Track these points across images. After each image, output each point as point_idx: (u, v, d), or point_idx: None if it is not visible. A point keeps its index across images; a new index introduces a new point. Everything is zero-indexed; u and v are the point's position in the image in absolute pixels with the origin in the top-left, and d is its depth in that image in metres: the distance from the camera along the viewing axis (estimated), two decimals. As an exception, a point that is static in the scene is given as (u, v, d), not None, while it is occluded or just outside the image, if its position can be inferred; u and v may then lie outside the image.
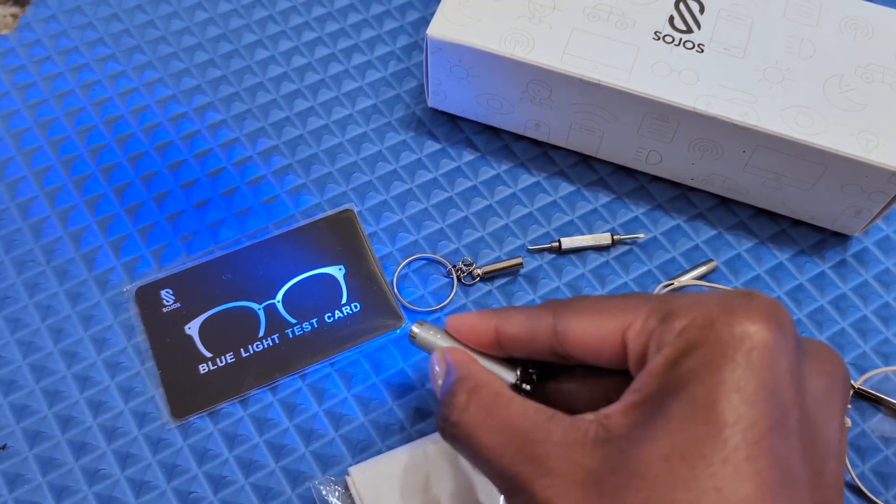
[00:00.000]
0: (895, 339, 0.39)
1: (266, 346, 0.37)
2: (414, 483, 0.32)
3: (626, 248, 0.41)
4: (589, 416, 0.24)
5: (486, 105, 0.42)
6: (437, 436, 0.34)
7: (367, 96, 0.45)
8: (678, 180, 0.42)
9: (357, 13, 0.48)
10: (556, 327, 0.27)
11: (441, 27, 0.38)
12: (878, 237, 0.42)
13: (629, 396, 0.24)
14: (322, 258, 0.40)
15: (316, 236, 0.40)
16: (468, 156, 0.43)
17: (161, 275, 0.39)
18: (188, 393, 0.36)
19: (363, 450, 0.36)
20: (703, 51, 0.38)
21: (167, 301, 0.38)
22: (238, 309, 0.38)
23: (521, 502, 0.24)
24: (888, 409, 0.37)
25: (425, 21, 0.48)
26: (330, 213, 0.41)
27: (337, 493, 0.34)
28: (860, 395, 0.38)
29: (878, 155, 0.36)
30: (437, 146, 0.43)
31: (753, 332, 0.22)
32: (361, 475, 0.33)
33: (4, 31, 0.46)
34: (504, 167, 0.43)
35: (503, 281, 0.40)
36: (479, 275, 0.40)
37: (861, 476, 0.36)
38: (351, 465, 0.34)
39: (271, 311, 0.38)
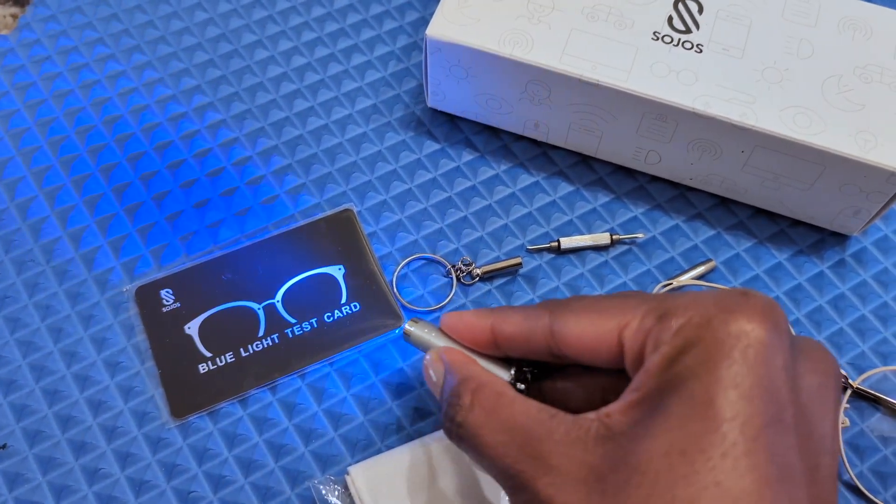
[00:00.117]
0: (894, 338, 0.39)
1: (266, 345, 0.37)
2: (413, 482, 0.32)
3: (625, 247, 0.41)
4: (590, 414, 0.24)
5: (486, 105, 0.42)
6: (436, 435, 0.34)
7: (367, 96, 0.45)
8: (677, 180, 0.42)
9: (356, 13, 0.48)
10: (552, 327, 0.27)
11: (440, 27, 0.39)
12: (877, 237, 0.42)
13: (629, 395, 0.24)
14: (321, 258, 0.40)
15: (315, 236, 0.40)
16: (467, 156, 0.43)
17: (161, 275, 0.39)
18: (188, 392, 0.36)
19: (363, 449, 0.36)
20: (701, 51, 0.38)
21: (167, 301, 0.38)
22: (238, 309, 0.38)
23: (524, 500, 0.24)
24: (887, 409, 0.38)
25: (425, 21, 0.48)
26: (329, 213, 0.41)
27: (336, 493, 0.34)
28: (859, 395, 0.38)
29: (877, 155, 0.36)
30: (436, 146, 0.44)
31: (749, 329, 0.23)
32: (361, 474, 0.33)
33: (4, 31, 0.46)
34: (503, 167, 0.43)
35: (502, 281, 0.40)
36: (478, 275, 0.40)
37: (860, 475, 0.36)
38: (350, 465, 0.34)
39: (271, 310, 0.38)
